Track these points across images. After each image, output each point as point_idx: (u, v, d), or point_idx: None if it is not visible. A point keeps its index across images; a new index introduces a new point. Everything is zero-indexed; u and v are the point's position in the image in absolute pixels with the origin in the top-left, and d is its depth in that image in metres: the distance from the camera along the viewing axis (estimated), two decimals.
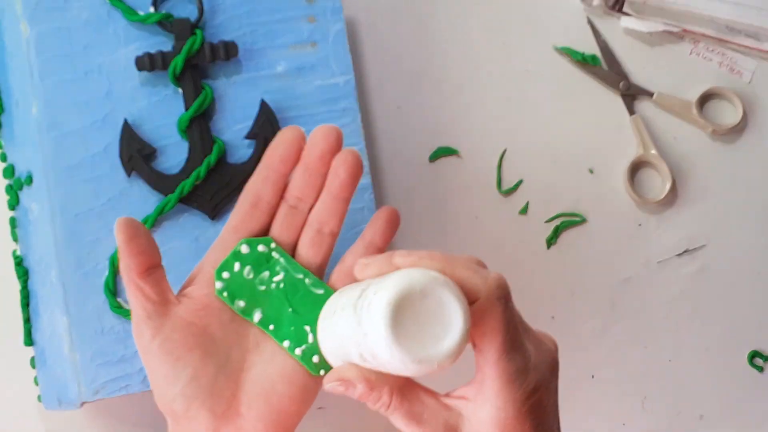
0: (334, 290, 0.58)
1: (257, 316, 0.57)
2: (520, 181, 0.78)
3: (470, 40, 0.79)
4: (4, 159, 0.70)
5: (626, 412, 0.77)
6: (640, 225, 0.78)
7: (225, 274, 0.57)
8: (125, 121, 0.66)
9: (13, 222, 0.70)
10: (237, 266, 0.57)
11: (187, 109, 0.67)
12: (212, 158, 0.66)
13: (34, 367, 0.69)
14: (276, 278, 0.58)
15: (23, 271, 0.68)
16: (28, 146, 0.67)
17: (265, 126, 0.67)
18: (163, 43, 0.67)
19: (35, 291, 0.68)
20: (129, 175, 0.66)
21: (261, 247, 0.58)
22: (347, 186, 0.58)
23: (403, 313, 0.47)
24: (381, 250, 0.59)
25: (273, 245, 0.58)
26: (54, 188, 0.65)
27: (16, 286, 0.69)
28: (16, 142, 0.68)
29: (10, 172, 0.69)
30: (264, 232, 0.59)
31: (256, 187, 0.59)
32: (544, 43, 0.79)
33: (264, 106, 0.68)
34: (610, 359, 0.77)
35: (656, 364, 0.77)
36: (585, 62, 0.79)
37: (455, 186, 0.77)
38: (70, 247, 0.65)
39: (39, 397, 0.68)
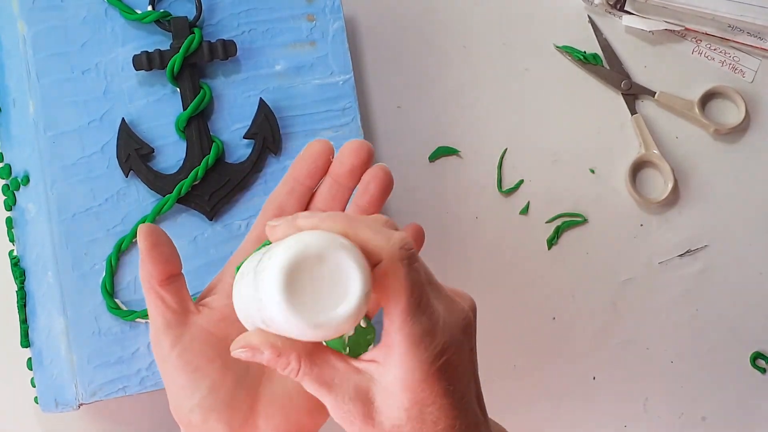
0: None
1: None
2: (521, 181, 0.77)
3: (470, 40, 0.78)
4: (1, 159, 0.70)
5: (628, 414, 0.77)
6: (641, 225, 0.78)
7: None
8: (123, 121, 0.66)
9: (9, 222, 0.69)
10: None
11: (185, 108, 0.66)
12: (210, 158, 0.66)
13: (31, 368, 0.68)
14: None
15: (20, 272, 0.68)
16: (25, 146, 0.67)
17: (264, 125, 0.67)
18: (161, 42, 0.67)
19: (32, 292, 0.67)
20: (126, 175, 0.66)
21: None
22: (376, 201, 0.57)
23: (298, 278, 0.45)
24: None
25: None
26: (51, 188, 0.65)
27: (13, 286, 0.69)
28: (12, 141, 0.68)
29: (6, 172, 0.68)
30: None
31: (281, 199, 0.58)
32: (544, 41, 0.79)
33: (263, 106, 0.67)
34: (612, 360, 0.77)
35: (658, 365, 0.77)
36: (586, 61, 0.78)
37: (455, 186, 0.77)
38: (67, 248, 0.65)
39: (36, 399, 0.68)
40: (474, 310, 0.53)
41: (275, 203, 0.58)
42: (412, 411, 0.49)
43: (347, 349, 0.56)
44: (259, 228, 0.58)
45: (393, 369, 0.49)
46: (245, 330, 0.56)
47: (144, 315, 0.65)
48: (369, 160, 0.57)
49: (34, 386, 0.68)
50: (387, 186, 0.57)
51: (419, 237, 0.59)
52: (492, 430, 0.53)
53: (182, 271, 0.56)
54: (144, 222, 0.65)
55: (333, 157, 0.57)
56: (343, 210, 0.57)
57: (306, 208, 0.58)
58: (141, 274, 0.55)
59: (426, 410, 0.49)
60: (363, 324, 0.56)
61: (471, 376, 0.52)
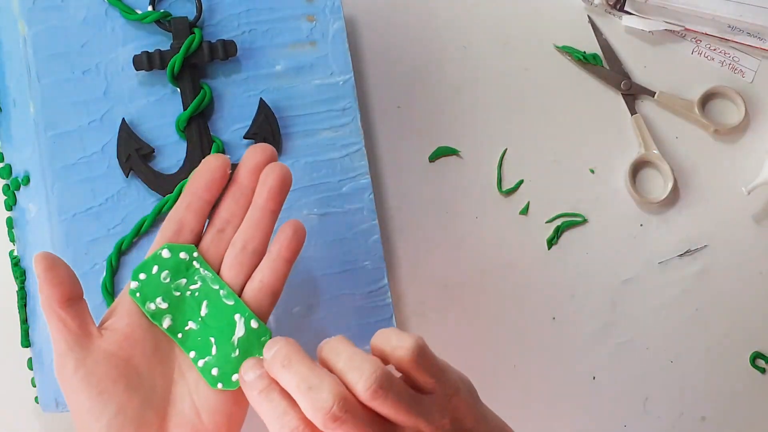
0: (246, 304, 0.57)
1: (166, 323, 0.56)
2: (521, 181, 0.77)
3: (470, 40, 0.78)
4: (2, 159, 0.70)
5: (627, 414, 0.77)
6: (641, 225, 0.78)
7: (141, 276, 0.57)
8: (123, 121, 0.66)
9: (10, 222, 0.69)
10: (155, 269, 0.57)
11: (185, 108, 0.66)
12: None
13: (31, 368, 0.68)
14: (192, 287, 0.57)
15: (20, 272, 0.68)
16: (25, 146, 0.67)
17: (264, 125, 0.67)
18: (161, 42, 0.67)
19: (33, 292, 0.67)
20: (127, 175, 0.66)
21: (182, 254, 0.57)
22: (276, 195, 0.57)
23: None
24: (289, 261, 0.57)
25: (195, 254, 0.57)
26: (51, 188, 0.65)
27: (14, 286, 0.69)
28: (13, 141, 0.68)
29: (7, 172, 0.69)
30: None
31: (179, 215, 0.58)
32: (544, 42, 0.79)
33: (263, 106, 0.67)
34: (611, 360, 0.77)
35: (658, 365, 0.77)
36: (586, 61, 0.78)
37: (455, 186, 0.77)
38: (67, 248, 0.65)
39: (36, 399, 0.68)
40: (462, 389, 0.53)
41: (175, 219, 0.58)
42: None
43: (237, 350, 0.56)
44: (158, 245, 0.58)
45: None
46: (149, 349, 0.56)
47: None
48: (273, 160, 0.57)
49: (35, 386, 0.68)
50: (286, 179, 0.57)
51: (300, 233, 0.58)
52: None
53: (84, 297, 0.56)
54: (144, 222, 0.65)
55: (230, 171, 0.58)
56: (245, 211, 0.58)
57: (203, 223, 0.58)
58: (41, 300, 0.55)
59: None
60: (254, 325, 0.56)
61: None
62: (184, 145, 0.67)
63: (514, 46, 0.79)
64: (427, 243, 0.76)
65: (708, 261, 0.78)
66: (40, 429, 0.71)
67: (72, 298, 0.55)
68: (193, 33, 0.66)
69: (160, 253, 0.57)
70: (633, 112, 0.78)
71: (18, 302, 0.68)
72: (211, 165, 0.58)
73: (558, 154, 0.78)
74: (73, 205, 0.65)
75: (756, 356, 0.78)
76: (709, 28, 0.78)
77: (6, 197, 0.69)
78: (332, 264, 0.68)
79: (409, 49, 0.78)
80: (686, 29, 0.79)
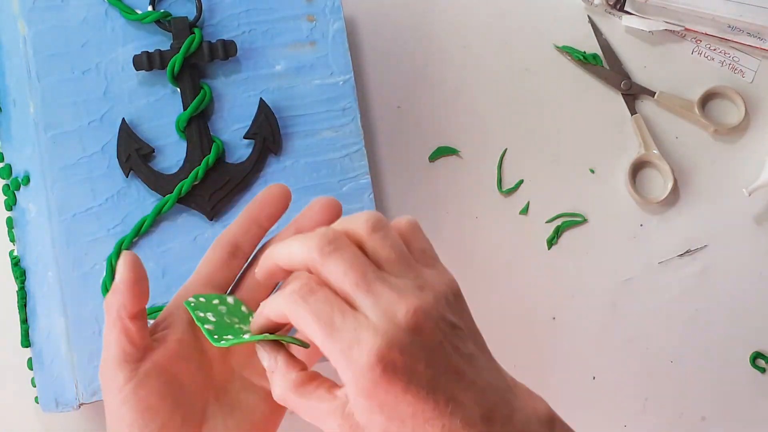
0: None
1: (208, 327, 0.54)
2: (521, 181, 0.77)
3: (470, 40, 0.78)
4: (2, 159, 0.70)
5: (628, 414, 0.77)
6: (641, 225, 0.78)
7: (201, 299, 0.55)
8: (123, 121, 0.66)
9: (10, 222, 0.69)
10: (215, 301, 0.55)
11: (185, 108, 0.66)
12: (211, 158, 0.66)
13: (31, 368, 0.68)
14: (243, 327, 0.54)
15: (20, 272, 0.68)
16: (25, 146, 0.67)
17: (264, 126, 0.67)
18: (161, 42, 0.67)
19: (33, 292, 0.67)
20: (127, 175, 0.66)
21: (244, 309, 0.55)
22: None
23: None
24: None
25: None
26: (51, 188, 0.65)
27: (14, 286, 0.69)
28: (13, 141, 0.68)
29: (7, 172, 0.69)
30: (233, 280, 0.57)
31: (236, 239, 0.57)
32: (544, 42, 0.79)
33: (263, 106, 0.68)
34: (612, 360, 0.77)
35: (658, 365, 0.77)
36: (586, 61, 0.78)
37: (455, 186, 0.77)
38: (67, 248, 0.65)
39: (36, 399, 0.68)
40: (443, 294, 0.52)
41: (231, 241, 0.57)
42: (383, 415, 0.47)
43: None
44: (209, 266, 0.56)
45: (346, 386, 0.48)
46: (193, 367, 0.55)
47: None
48: (338, 217, 0.56)
49: (35, 386, 0.68)
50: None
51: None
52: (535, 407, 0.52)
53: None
54: (144, 222, 0.65)
55: (290, 201, 0.57)
56: None
57: (256, 246, 0.58)
58: (109, 302, 0.53)
59: (397, 409, 0.47)
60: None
61: (446, 366, 0.50)
62: (184, 145, 0.67)
63: (514, 46, 0.79)
64: None
65: (708, 261, 0.78)
66: (40, 429, 0.71)
67: (142, 310, 0.53)
68: (193, 33, 0.66)
69: (226, 298, 0.55)
70: (633, 112, 0.78)
71: (18, 302, 0.68)
72: (273, 194, 0.57)
73: (558, 154, 0.78)
74: (73, 205, 0.65)
75: (756, 356, 0.78)
76: (709, 28, 0.78)
77: (6, 197, 0.69)
78: None
79: (409, 49, 0.78)
80: (686, 29, 0.79)
